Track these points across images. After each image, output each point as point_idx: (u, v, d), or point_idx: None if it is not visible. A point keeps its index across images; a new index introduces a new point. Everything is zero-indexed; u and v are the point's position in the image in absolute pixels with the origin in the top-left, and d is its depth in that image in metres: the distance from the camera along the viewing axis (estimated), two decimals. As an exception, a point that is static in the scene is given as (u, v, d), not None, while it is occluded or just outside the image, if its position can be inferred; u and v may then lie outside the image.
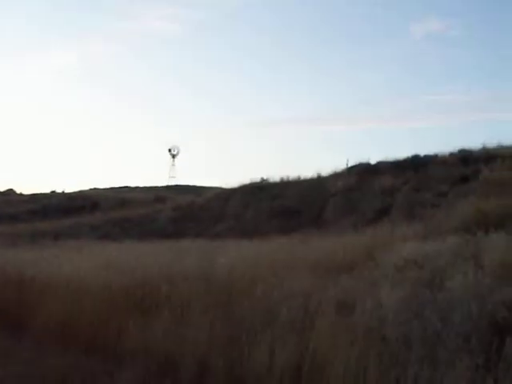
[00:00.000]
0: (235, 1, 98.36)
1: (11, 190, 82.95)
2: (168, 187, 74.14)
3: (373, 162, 29.79)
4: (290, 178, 32.12)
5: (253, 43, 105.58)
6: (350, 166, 30.17)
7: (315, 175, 31.29)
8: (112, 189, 75.73)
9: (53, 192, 76.76)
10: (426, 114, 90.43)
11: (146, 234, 26.34)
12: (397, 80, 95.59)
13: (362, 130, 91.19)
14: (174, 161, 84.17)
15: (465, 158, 25.59)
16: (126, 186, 77.34)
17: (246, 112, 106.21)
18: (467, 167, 23.97)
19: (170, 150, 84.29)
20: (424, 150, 33.23)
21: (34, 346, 10.10)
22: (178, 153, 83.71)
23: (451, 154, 27.08)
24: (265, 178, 33.12)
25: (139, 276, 10.65)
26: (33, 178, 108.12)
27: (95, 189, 76.41)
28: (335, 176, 29.81)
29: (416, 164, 26.84)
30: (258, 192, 30.89)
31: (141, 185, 78.89)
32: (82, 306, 10.52)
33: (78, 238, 26.09)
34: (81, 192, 73.25)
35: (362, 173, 28.36)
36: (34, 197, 74.60)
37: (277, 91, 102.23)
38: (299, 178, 31.93)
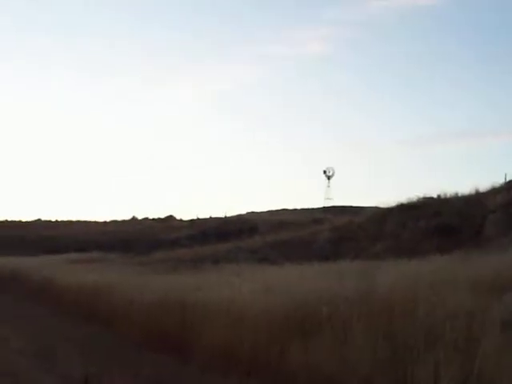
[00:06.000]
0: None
1: (171, 216, 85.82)
2: (325, 208, 74.29)
3: (533, 174, 28.68)
4: (448, 195, 31.42)
5: (393, 61, 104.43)
6: (508, 180, 29.20)
7: (473, 191, 30.46)
8: (269, 211, 76.69)
9: (211, 217, 78.64)
10: None
11: (304, 256, 26.34)
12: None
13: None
14: (329, 182, 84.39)
15: None
16: (284, 209, 78.15)
17: (398, 130, 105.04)
18: None
19: (325, 172, 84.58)
20: None
21: (197, 369, 10.39)
22: (333, 174, 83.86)
23: None
24: (421, 195, 32.55)
25: (299, 299, 10.72)
26: (191, 204, 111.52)
27: (253, 212, 77.60)
28: (494, 191, 28.89)
29: None
30: (416, 210, 30.40)
31: (298, 207, 79.51)
32: (243, 329, 10.65)
33: (236, 261, 26.45)
34: (239, 216, 74.64)
35: (522, 187, 27.39)
36: (193, 222, 76.77)
37: (427, 107, 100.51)
38: (457, 194, 31.18)
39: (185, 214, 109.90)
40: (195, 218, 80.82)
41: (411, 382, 7.16)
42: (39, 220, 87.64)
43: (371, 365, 7.82)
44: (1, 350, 12.93)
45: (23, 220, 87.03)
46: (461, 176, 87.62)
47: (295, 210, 77.33)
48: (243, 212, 78.89)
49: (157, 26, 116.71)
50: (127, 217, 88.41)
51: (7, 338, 14.48)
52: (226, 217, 75.62)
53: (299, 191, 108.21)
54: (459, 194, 31.04)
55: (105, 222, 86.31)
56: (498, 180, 29.89)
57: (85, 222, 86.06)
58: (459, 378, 6.76)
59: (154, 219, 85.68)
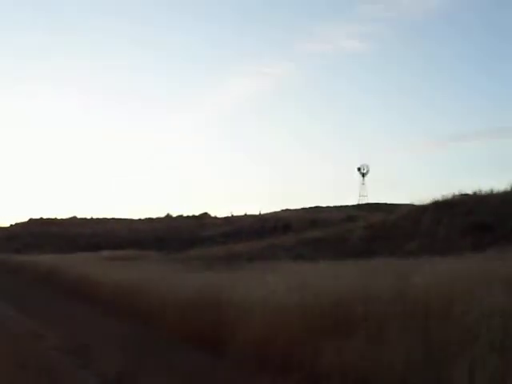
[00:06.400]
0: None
1: (206, 213, 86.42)
2: (359, 206, 74.11)
3: None
4: (483, 193, 31.17)
5: (426, 59, 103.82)
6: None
7: (508, 188, 30.17)
8: (304, 209, 76.69)
9: (246, 214, 78.92)
10: None
11: (339, 254, 26.31)
12: None
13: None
14: (363, 179, 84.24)
15: None
16: (317, 206, 78.07)
17: (433, 127, 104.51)
18: None
19: (359, 169, 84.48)
20: None
21: (231, 367, 10.41)
22: (367, 171, 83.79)
23: None
24: (457, 193, 32.32)
25: (334, 297, 10.68)
26: (226, 201, 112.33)
27: (287, 210, 77.68)
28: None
29: None
30: (451, 208, 30.18)
31: (331, 204, 79.37)
32: (277, 327, 10.64)
33: (271, 259, 26.48)
34: (273, 213, 74.79)
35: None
36: (228, 219, 77.17)
37: (463, 104, 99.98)
38: (492, 191, 30.92)
39: (219, 211, 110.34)
40: (230, 215, 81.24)
41: (446, 383, 7.12)
42: (75, 218, 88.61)
43: (406, 365, 7.79)
44: (37, 347, 13.09)
45: (59, 218, 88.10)
46: (496, 173, 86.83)
47: (329, 207, 77.18)
48: (278, 209, 79.04)
49: (185, 24, 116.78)
50: (162, 214, 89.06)
51: (44, 334, 14.64)
52: (260, 214, 75.84)
53: (333, 189, 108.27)
54: (494, 192, 30.78)
55: (139, 220, 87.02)
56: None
57: (120, 219, 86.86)
58: (495, 379, 6.72)
59: (188, 216, 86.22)
